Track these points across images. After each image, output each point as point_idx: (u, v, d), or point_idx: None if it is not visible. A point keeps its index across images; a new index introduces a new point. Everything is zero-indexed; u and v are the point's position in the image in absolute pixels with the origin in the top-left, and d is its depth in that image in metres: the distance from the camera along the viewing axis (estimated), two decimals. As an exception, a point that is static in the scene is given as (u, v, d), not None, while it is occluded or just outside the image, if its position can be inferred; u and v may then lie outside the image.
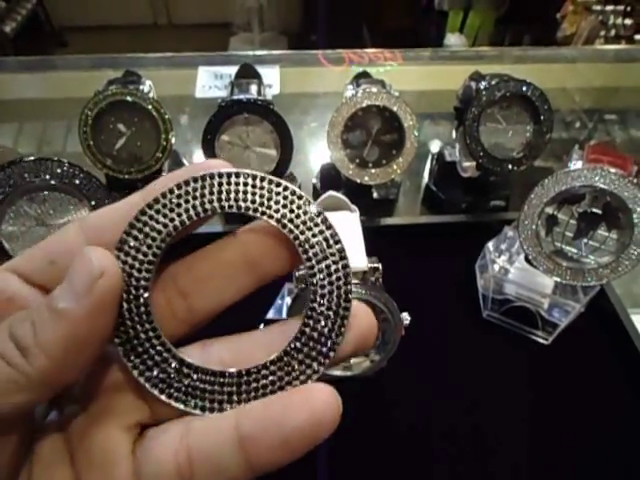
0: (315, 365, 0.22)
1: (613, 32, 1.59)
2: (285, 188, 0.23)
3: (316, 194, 0.67)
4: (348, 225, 0.41)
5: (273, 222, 0.22)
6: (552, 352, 0.55)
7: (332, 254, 0.22)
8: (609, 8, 1.58)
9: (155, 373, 0.22)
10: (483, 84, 0.59)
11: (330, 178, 0.65)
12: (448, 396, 0.51)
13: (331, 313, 0.22)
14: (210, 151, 0.56)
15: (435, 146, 0.81)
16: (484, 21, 2.09)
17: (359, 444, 0.45)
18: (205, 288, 0.23)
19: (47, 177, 0.42)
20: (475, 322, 0.57)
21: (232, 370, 0.22)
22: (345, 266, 0.22)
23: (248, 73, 0.60)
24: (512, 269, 0.55)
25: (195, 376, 0.22)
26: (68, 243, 0.22)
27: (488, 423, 0.50)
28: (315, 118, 0.89)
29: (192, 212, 0.22)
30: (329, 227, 0.23)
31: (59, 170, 0.42)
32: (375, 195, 0.65)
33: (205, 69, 0.89)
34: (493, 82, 0.58)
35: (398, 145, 0.58)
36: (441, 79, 0.99)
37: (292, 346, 0.22)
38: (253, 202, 0.22)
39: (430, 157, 0.74)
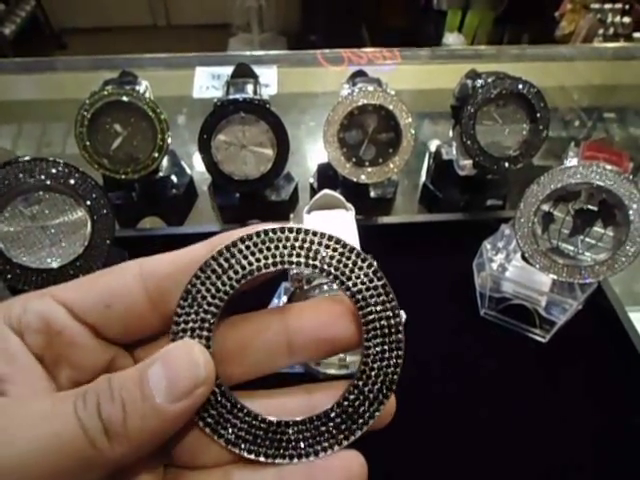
0: (340, 437, 0.23)
1: (611, 30, 1.59)
2: (363, 259, 0.23)
3: (313, 194, 0.67)
4: (343, 223, 0.41)
5: (348, 294, 0.23)
6: (550, 350, 0.55)
7: (391, 342, 0.23)
8: (607, 6, 1.58)
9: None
10: (479, 82, 0.58)
11: (327, 177, 0.65)
12: (445, 395, 0.51)
13: (371, 396, 0.24)
14: (206, 151, 0.56)
15: (434, 145, 0.81)
16: (482, 20, 2.09)
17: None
18: (245, 359, 0.24)
19: (42, 177, 0.42)
20: (472, 320, 0.57)
21: (267, 418, 0.23)
22: (398, 357, 0.23)
23: (244, 72, 0.60)
24: (509, 267, 0.55)
25: (230, 409, 0.23)
26: (126, 287, 0.23)
27: (486, 422, 0.49)
28: (313, 118, 0.89)
29: (270, 260, 0.23)
30: (397, 315, 0.24)
31: (54, 170, 0.42)
32: (372, 194, 0.65)
33: (202, 69, 0.89)
34: (489, 80, 0.58)
35: (394, 144, 0.58)
36: (439, 78, 0.99)
37: (325, 413, 0.23)
38: (336, 269, 0.23)
39: (427, 156, 0.74)
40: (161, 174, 0.63)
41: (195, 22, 2.75)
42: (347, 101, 0.57)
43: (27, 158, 0.42)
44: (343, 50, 1.04)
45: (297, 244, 0.23)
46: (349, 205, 0.43)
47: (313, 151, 0.82)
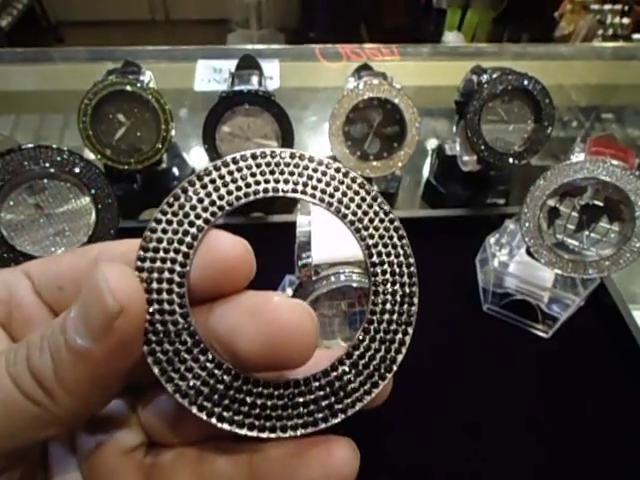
0: (319, 416, 0.19)
1: (611, 31, 1.59)
2: (386, 213, 0.20)
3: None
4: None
5: (362, 245, 0.20)
6: (552, 346, 0.55)
7: (401, 313, 0.20)
8: (607, 7, 1.58)
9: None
10: (484, 77, 0.58)
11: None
12: (448, 390, 0.51)
13: (366, 372, 0.20)
14: (211, 142, 0.56)
15: (432, 143, 0.81)
16: (482, 19, 2.10)
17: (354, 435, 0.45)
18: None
19: (47, 165, 0.41)
20: (475, 316, 0.57)
21: (234, 370, 0.19)
22: (406, 332, 0.20)
23: (249, 64, 0.60)
24: (512, 263, 0.55)
25: (190, 349, 0.19)
26: (79, 271, 0.21)
27: (488, 417, 0.49)
28: (315, 112, 0.89)
29: (281, 185, 0.20)
30: (413, 284, 0.20)
31: (59, 158, 0.42)
32: (375, 189, 0.65)
33: (204, 62, 0.89)
34: (494, 76, 0.58)
35: (399, 138, 0.58)
36: (438, 75, 0.99)
37: (306, 381, 0.20)
38: (354, 214, 0.20)
39: (430, 151, 0.74)
40: (163, 166, 0.63)
41: (193, 17, 2.74)
42: (352, 94, 0.57)
43: (31, 145, 0.41)
44: (341, 46, 1.03)
45: (316, 175, 0.20)
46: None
47: (315, 146, 0.81)
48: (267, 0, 2.46)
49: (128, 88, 0.54)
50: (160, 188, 0.64)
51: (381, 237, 0.20)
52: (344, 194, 0.20)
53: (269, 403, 0.19)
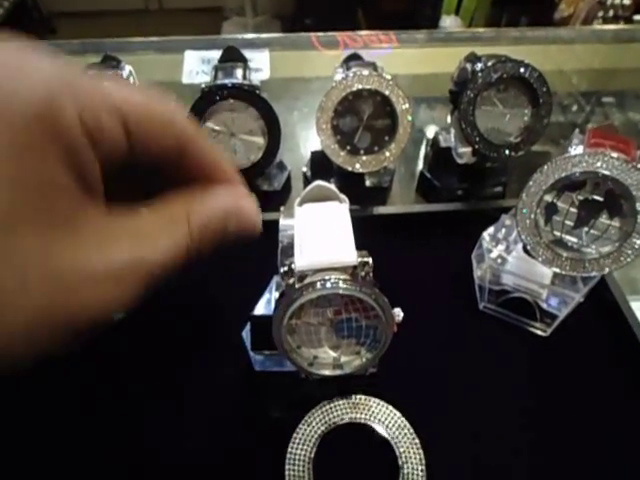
0: None
1: (611, 12, 1.56)
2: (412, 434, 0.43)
3: (307, 183, 0.64)
4: (336, 216, 0.39)
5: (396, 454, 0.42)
6: (551, 344, 0.53)
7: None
8: (608, -12, 1.54)
9: None
10: (479, 66, 0.56)
11: (321, 166, 0.62)
12: (444, 390, 0.50)
13: None
14: (194, 139, 0.54)
15: (431, 132, 0.79)
16: (480, 3, 2.05)
17: (352, 437, 0.44)
18: None
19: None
20: (471, 314, 0.55)
21: None
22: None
23: (233, 56, 0.57)
24: (509, 259, 0.53)
25: None
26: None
27: (486, 417, 0.48)
28: (307, 103, 0.86)
29: (354, 415, 0.41)
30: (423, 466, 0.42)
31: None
32: (368, 183, 0.63)
33: (192, 53, 0.86)
34: (489, 63, 0.55)
35: (391, 131, 0.56)
36: (437, 62, 0.96)
37: None
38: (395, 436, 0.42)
39: (425, 143, 0.72)
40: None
41: (188, 6, 2.70)
42: (341, 86, 0.54)
43: None
44: (338, 33, 1.01)
45: (378, 412, 0.41)
46: (343, 196, 0.41)
47: (307, 138, 0.79)
48: (262, -13, 2.43)
49: (107, 84, 0.52)
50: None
51: (404, 444, 0.41)
52: (388, 421, 0.41)
53: None
